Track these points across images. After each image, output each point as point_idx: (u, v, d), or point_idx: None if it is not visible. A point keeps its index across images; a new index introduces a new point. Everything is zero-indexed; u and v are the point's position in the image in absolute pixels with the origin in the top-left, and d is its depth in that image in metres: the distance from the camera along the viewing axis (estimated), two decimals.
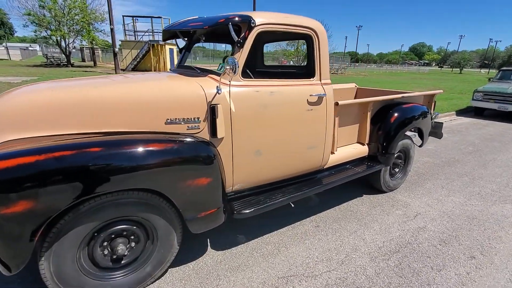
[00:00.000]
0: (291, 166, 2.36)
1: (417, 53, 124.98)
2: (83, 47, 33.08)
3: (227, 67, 1.77)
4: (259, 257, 2.24)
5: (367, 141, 3.09)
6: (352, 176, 2.84)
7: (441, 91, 3.81)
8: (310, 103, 2.28)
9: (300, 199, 2.51)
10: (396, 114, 3.05)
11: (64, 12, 23.65)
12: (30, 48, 39.12)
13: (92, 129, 1.62)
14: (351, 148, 2.99)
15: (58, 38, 24.68)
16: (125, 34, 26.30)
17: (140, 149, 1.54)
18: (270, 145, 2.15)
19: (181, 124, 1.81)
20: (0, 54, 37.91)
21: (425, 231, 2.71)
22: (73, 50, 28.79)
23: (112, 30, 19.91)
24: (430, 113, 3.61)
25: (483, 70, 65.55)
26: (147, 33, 25.67)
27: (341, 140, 2.93)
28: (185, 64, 2.72)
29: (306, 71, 2.41)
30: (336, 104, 2.58)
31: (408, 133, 3.44)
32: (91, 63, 28.70)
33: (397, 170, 3.49)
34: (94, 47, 28.76)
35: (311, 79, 2.33)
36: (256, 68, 3.33)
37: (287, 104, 2.16)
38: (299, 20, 2.21)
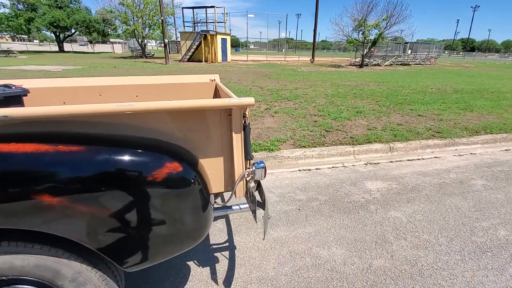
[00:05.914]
0: None
1: None
2: (168, 41, 35.96)
3: None
4: None
5: None
6: None
7: (251, 100, 1.30)
8: None
9: None
10: None
11: (141, 8, 25.63)
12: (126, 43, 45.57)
13: None
14: None
15: (136, 32, 27.07)
16: (184, 26, 27.09)
17: None
18: None
19: None
20: (107, 48, 46.28)
21: None
22: (148, 42, 31.41)
23: (162, 21, 20.43)
24: (192, 174, 1.22)
25: None
26: (199, 24, 25.78)
27: None
28: None
29: None
30: None
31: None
32: (172, 55, 30.66)
33: None
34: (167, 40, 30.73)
35: None
36: None
37: None
38: None
